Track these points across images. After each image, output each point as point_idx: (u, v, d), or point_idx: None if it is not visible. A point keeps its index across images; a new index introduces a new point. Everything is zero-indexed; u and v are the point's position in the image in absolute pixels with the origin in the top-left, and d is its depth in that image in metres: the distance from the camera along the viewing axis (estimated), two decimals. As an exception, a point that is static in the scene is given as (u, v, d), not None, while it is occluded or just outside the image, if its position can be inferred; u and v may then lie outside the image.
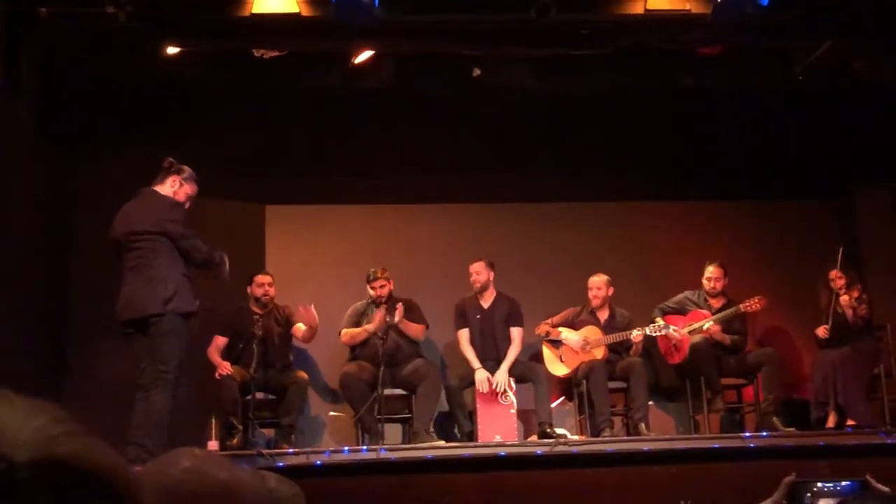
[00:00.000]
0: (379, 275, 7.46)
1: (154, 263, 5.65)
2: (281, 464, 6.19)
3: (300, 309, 7.22)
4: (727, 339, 7.58)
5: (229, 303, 7.58)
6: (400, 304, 7.35)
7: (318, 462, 6.15)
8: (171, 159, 5.87)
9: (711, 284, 7.74)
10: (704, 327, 7.53)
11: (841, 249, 7.58)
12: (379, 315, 7.32)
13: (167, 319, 5.57)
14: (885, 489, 3.35)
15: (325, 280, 8.22)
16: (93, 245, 6.75)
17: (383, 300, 7.43)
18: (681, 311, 7.81)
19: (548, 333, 7.70)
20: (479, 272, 7.65)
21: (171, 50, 7.04)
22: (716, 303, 7.76)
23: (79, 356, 7.30)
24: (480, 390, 7.30)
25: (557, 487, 5.56)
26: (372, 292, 7.47)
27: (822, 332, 7.57)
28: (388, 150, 8.26)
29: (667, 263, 8.47)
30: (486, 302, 7.68)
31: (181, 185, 5.82)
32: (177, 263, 5.71)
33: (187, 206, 5.89)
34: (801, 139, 8.41)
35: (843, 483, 3.41)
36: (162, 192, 5.81)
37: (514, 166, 8.33)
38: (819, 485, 3.44)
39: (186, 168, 5.91)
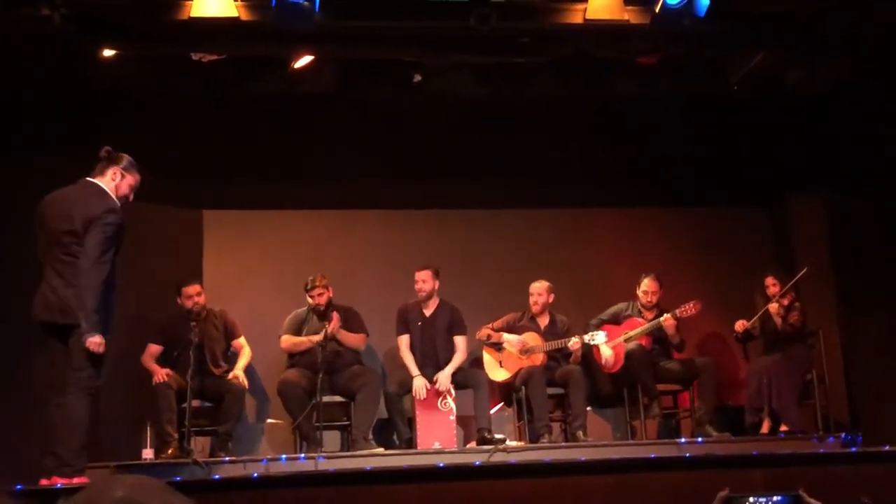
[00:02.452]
0: (317, 283, 7.42)
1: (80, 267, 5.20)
2: (217, 476, 6.12)
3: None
4: (677, 337, 7.70)
5: (160, 311, 7.45)
6: (335, 313, 7.31)
7: (256, 475, 6.07)
8: (107, 147, 5.53)
9: (648, 298, 7.83)
10: (661, 320, 7.61)
11: (805, 269, 7.72)
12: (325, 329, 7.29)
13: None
14: (817, 503, 3.42)
15: (263, 286, 8.14)
16: (19, 248, 6.44)
17: (322, 308, 7.39)
18: (615, 321, 7.89)
19: (489, 337, 7.72)
20: (426, 280, 7.64)
21: (108, 53, 6.91)
22: (649, 315, 7.85)
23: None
24: (418, 397, 7.31)
25: (497, 498, 5.56)
26: (310, 300, 7.43)
27: (739, 325, 7.73)
28: (328, 156, 8.20)
29: (605, 269, 8.56)
30: (429, 309, 7.68)
31: (122, 176, 5.42)
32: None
33: (131, 197, 5.60)
34: (737, 147, 8.52)
35: (776, 497, 3.48)
36: (102, 186, 5.41)
37: (453, 173, 8.32)
38: (752, 499, 3.51)
39: (125, 156, 5.51)
